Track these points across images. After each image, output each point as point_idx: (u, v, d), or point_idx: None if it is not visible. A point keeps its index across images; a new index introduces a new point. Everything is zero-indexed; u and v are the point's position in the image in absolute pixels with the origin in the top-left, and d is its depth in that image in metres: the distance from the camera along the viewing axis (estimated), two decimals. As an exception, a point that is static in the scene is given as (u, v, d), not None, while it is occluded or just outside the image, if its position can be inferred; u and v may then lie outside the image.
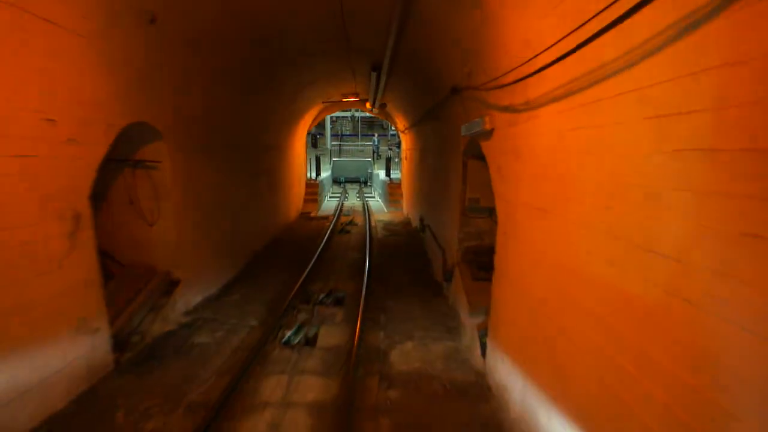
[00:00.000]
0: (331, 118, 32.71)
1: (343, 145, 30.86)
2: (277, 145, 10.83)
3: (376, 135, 28.71)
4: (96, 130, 3.71)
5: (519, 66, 3.12)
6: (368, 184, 27.58)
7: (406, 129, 13.33)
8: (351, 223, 13.25)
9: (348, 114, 33.44)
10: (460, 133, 5.43)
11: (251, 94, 7.93)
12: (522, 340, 3.25)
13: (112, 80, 3.88)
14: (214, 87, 6.39)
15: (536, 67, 2.75)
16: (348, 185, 27.92)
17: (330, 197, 22.47)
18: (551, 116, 2.73)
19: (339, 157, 29.04)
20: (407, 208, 14.42)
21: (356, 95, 14.56)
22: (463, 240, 5.83)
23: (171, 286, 5.46)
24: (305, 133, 15.51)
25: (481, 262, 5.60)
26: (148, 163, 5.11)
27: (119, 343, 4.44)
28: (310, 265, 7.82)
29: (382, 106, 13.86)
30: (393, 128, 32.73)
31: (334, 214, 14.80)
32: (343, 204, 17.97)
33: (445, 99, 6.26)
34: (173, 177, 5.30)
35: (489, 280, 5.10)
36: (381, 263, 8.46)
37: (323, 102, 14.16)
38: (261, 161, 9.23)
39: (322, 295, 6.31)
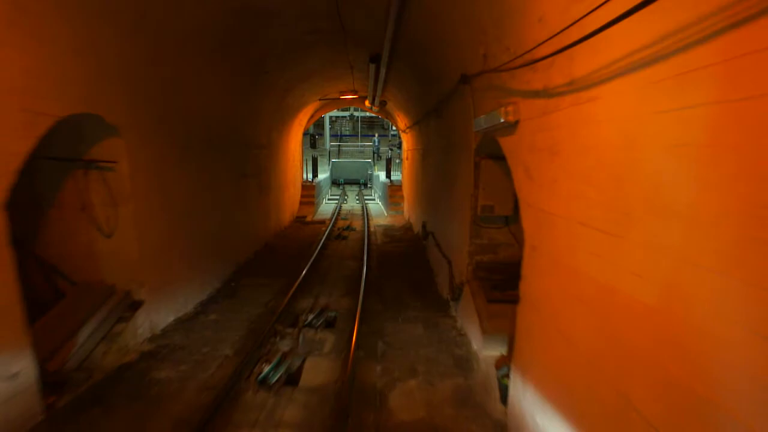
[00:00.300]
0: (330, 117, 31.93)
1: (343, 145, 30.08)
2: (268, 144, 10.03)
3: (376, 135, 27.93)
4: (10, 121, 2.90)
5: (560, 32, 2.31)
6: (368, 185, 26.78)
7: (407, 128, 12.53)
8: (349, 228, 12.44)
9: (347, 113, 32.66)
10: (471, 128, 4.62)
11: (236, 87, 7.13)
12: (566, 405, 2.43)
13: (32, 55, 3.07)
14: (190, 77, 5.59)
15: (589, 30, 1.94)
16: (347, 187, 27.13)
17: (329, 199, 21.68)
18: (618, 95, 1.91)
19: (338, 158, 28.25)
20: (408, 212, 13.61)
21: (354, 92, 13.77)
22: (474, 253, 5.01)
23: (131, 308, 4.64)
24: (301, 132, 14.72)
25: (496, 281, 4.78)
26: (101, 163, 4.31)
27: (57, 384, 3.63)
28: (301, 277, 7.01)
29: (382, 103, 13.08)
30: (394, 128, 31.93)
31: (331, 218, 13.99)
32: (341, 207, 17.16)
33: (452, 91, 5.45)
34: (133, 180, 4.49)
35: (506, 302, 4.29)
36: (379, 275, 7.65)
37: (320, 99, 13.38)
38: (248, 161, 8.43)
39: (311, 316, 5.49)
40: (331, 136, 30.44)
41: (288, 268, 7.85)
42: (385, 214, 15.30)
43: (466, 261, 5.08)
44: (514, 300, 3.22)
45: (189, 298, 5.83)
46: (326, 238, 10.58)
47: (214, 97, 6.47)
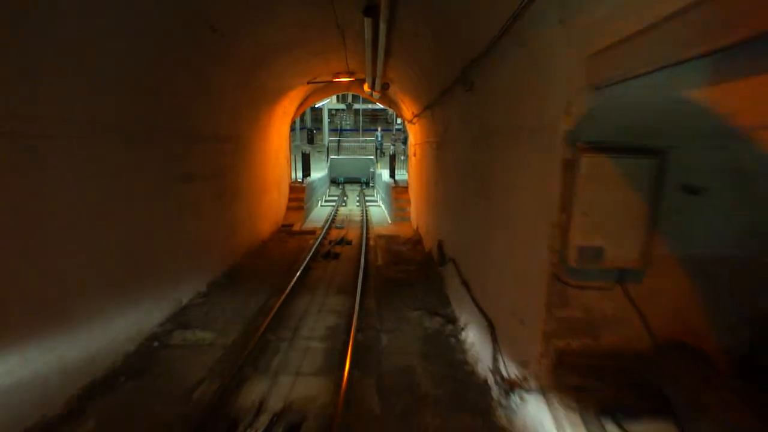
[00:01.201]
0: (330, 111, 29.50)
1: (343, 141, 27.68)
2: (234, 136, 7.65)
3: (379, 129, 25.50)
4: None
5: None
6: (370, 184, 24.39)
7: (415, 117, 10.09)
8: (342, 241, 10.05)
9: (343, 106, 30.19)
10: (563, 89, 2.21)
11: (168, 49, 4.74)
12: None
13: None
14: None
15: None
16: (347, 186, 24.75)
17: (326, 201, 19.29)
18: None
19: (338, 154, 25.87)
20: (417, 220, 11.19)
21: (350, 74, 11.34)
22: (554, 335, 2.61)
23: None
24: (287, 123, 12.32)
25: (605, 397, 2.38)
26: None
27: None
28: (258, 336, 4.63)
29: (384, 87, 10.65)
30: (399, 121, 29.45)
31: (323, 227, 11.60)
32: (337, 212, 14.77)
33: (501, 35, 3.04)
34: None
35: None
36: (378, 328, 5.24)
37: (309, 82, 10.98)
38: (197, 158, 6.05)
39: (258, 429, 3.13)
40: (330, 130, 28.02)
41: (243, 314, 5.51)
42: (389, 221, 12.90)
43: (538, 348, 2.68)
44: None
45: (56, 387, 3.47)
46: (311, 257, 8.20)
47: (128, 67, 4.08)
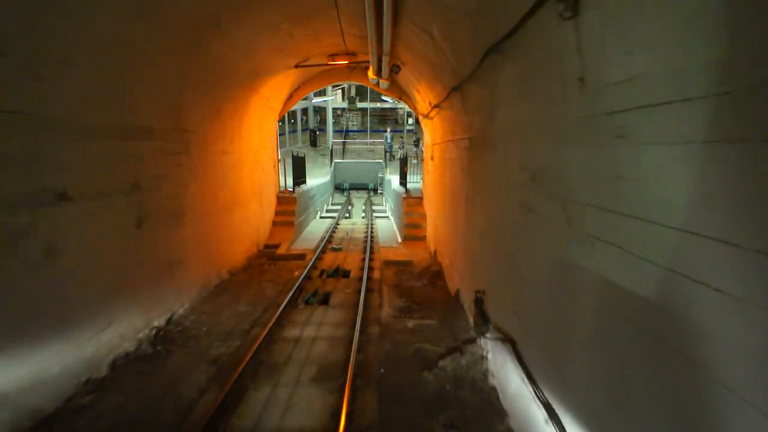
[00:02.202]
0: (335, 111, 27.24)
1: (349, 142, 25.31)
2: (174, 130, 5.29)
3: (388, 130, 23.08)
4: None
5: None
6: (378, 191, 22.01)
7: (434, 108, 7.62)
8: (338, 272, 7.63)
9: (344, 106, 27.86)
10: None
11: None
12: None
13: None
14: None
15: None
16: (353, 193, 22.41)
17: (327, 212, 16.92)
18: None
19: (343, 157, 23.51)
20: (434, 242, 8.71)
21: (350, 55, 8.99)
22: None
23: None
24: (271, 119, 9.95)
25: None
26: None
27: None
28: None
29: (395, 70, 8.25)
30: (410, 121, 26.98)
31: (316, 249, 9.20)
32: (337, 226, 12.36)
33: None
34: None
35: None
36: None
37: (297, 66, 8.61)
38: (85, 164, 3.68)
39: None
40: (335, 131, 25.71)
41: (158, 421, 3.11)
42: (399, 240, 10.44)
43: None
44: None
45: None
46: (289, 302, 5.79)
47: None
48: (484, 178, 4.53)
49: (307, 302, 5.99)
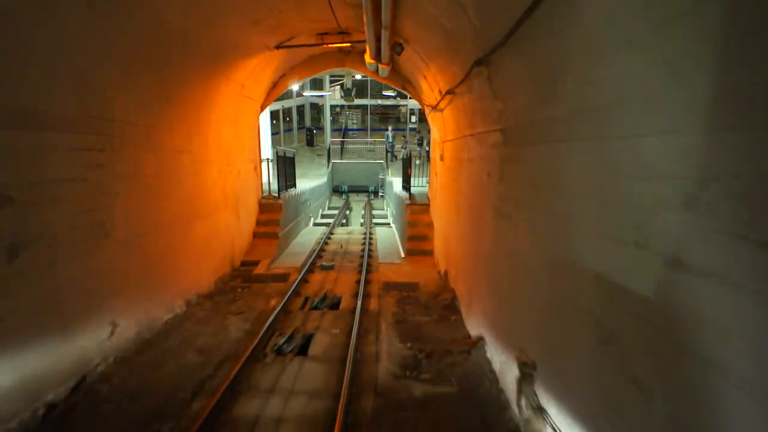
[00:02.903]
0: (333, 108, 25.75)
1: (348, 142, 23.76)
2: (84, 118, 3.78)
3: (390, 129, 21.55)
4: None
5: None
6: (379, 194, 20.52)
7: (446, 96, 6.08)
8: (325, 301, 6.11)
9: (342, 103, 26.37)
10: None
11: None
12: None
13: None
14: None
15: None
16: (352, 197, 20.95)
17: (323, 217, 15.42)
18: None
19: (341, 158, 21.98)
20: (445, 260, 7.18)
21: (343, 34, 7.51)
22: None
23: None
24: (249, 110, 8.41)
25: None
26: None
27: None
28: None
29: (397, 50, 6.73)
30: (413, 119, 25.45)
31: (302, 267, 7.70)
32: (330, 236, 10.85)
33: None
34: None
35: None
36: None
37: (278, 47, 7.11)
38: None
39: None
40: (333, 130, 24.21)
41: None
42: (402, 255, 8.91)
43: None
44: None
45: None
46: (254, 352, 4.28)
47: None
48: (532, 186, 3.01)
49: (278, 351, 4.46)
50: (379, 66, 8.01)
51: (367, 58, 7.85)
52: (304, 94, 20.77)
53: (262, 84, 8.15)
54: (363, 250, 9.11)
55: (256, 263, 7.84)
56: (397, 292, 6.58)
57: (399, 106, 26.61)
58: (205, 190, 6.29)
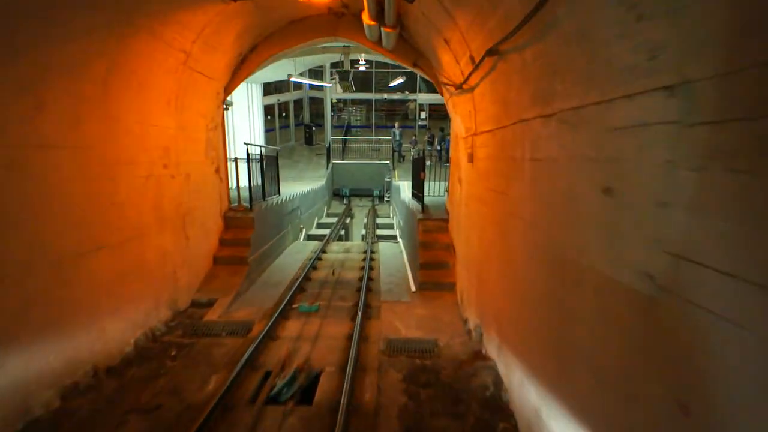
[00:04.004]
0: (335, 104, 23.58)
1: (351, 140, 21.56)
2: None
3: (397, 125, 19.29)
4: None
5: None
6: (385, 199, 18.33)
7: (484, 58, 3.83)
8: (294, 379, 3.90)
9: (344, 98, 24.13)
10: None
11: None
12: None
13: None
14: None
15: None
16: (355, 201, 18.79)
17: (318, 227, 13.25)
18: None
19: (343, 158, 19.79)
20: (477, 310, 4.93)
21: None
22: None
23: None
24: (203, 92, 6.17)
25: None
26: None
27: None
28: None
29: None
30: (423, 116, 23.15)
31: (271, 314, 5.51)
32: (321, 256, 8.66)
33: None
34: None
35: None
36: None
37: (236, -2, 4.93)
38: None
39: None
40: (334, 127, 22.04)
41: None
42: (412, 288, 6.68)
43: None
44: None
45: None
46: None
47: None
48: None
49: None
50: (383, 30, 5.83)
51: (366, 19, 5.68)
52: (297, 80, 17.67)
53: (222, 56, 5.98)
54: (361, 279, 6.92)
55: (211, 303, 5.69)
56: (407, 359, 4.38)
57: (407, 101, 24.36)
58: (114, 205, 4.14)
